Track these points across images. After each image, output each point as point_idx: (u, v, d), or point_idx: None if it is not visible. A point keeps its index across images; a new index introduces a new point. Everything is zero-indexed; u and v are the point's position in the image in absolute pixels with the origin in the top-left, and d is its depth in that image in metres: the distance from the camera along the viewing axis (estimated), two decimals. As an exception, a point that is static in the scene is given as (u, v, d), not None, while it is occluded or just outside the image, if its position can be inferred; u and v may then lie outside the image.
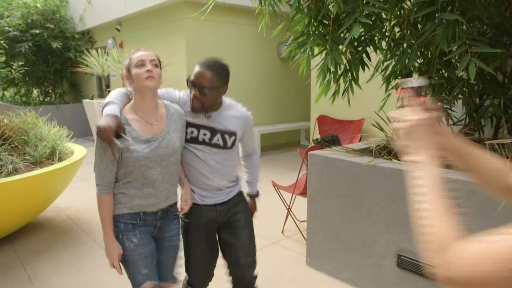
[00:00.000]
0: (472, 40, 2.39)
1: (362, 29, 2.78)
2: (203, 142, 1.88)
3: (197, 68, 1.80)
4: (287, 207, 3.67)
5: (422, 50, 2.85)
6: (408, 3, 2.87)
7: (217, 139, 1.89)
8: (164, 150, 1.72)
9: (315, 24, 2.85)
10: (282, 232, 3.80)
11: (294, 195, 3.60)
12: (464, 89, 2.62)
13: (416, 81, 0.86)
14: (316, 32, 2.83)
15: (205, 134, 1.88)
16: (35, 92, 10.70)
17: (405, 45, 2.72)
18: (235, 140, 1.94)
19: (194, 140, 1.88)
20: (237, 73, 7.35)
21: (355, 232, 2.74)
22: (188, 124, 1.88)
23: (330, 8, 2.72)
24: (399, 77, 3.03)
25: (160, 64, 1.73)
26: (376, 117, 3.77)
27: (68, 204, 4.77)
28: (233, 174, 2.03)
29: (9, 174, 3.20)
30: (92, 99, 8.14)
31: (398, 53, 2.78)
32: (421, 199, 0.74)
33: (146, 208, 1.76)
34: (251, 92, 7.77)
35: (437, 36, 2.41)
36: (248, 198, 2.19)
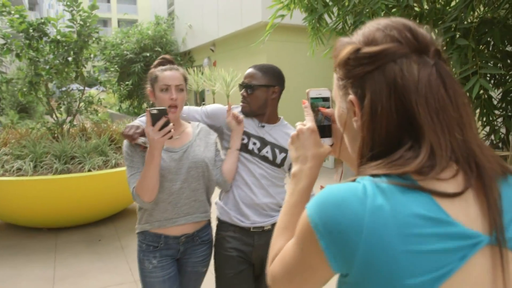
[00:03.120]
0: (486, 62, 2.65)
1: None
2: (252, 152, 1.79)
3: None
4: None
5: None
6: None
7: (267, 151, 1.79)
8: (185, 162, 1.65)
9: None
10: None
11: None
12: (482, 107, 2.85)
13: (323, 91, 0.85)
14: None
15: (254, 144, 1.80)
16: (145, 104, 12.47)
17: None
18: (286, 157, 1.81)
19: (244, 148, 1.80)
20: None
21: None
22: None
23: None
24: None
25: (186, 84, 1.70)
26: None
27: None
28: (281, 197, 1.84)
29: (112, 167, 4.21)
30: (187, 111, 9.35)
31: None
32: (282, 211, 0.79)
33: (166, 227, 1.69)
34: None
35: (452, 59, 2.72)
36: None
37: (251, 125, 1.83)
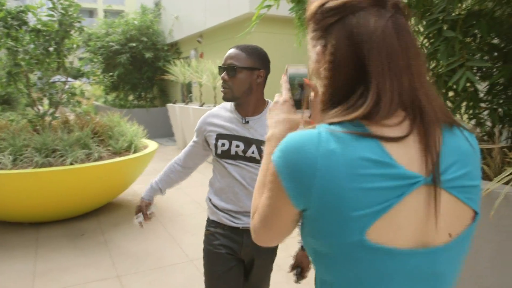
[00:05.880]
0: (472, 55, 2.64)
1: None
2: (237, 156, 1.64)
3: (229, 50, 1.63)
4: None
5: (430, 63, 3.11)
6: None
7: (252, 151, 1.62)
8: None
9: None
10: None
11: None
12: (469, 99, 2.84)
13: (301, 68, 0.88)
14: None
15: (237, 146, 1.63)
16: (131, 96, 12.29)
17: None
18: None
19: (226, 155, 1.66)
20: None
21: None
22: (219, 136, 1.67)
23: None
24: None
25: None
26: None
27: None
28: None
29: (95, 160, 4.11)
30: (174, 103, 9.24)
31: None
32: (259, 172, 0.85)
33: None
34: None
35: (439, 51, 2.70)
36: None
37: (233, 123, 1.66)
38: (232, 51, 1.60)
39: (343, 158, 0.62)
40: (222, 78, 1.59)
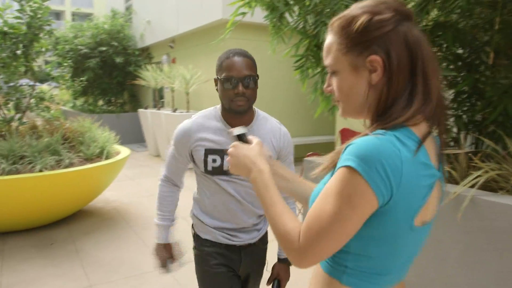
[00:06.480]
0: (439, 64, 2.76)
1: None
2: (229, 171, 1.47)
3: (234, 59, 1.46)
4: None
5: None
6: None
7: None
8: None
9: (314, 48, 3.35)
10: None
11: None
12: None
13: (238, 129, 1.07)
14: (312, 55, 3.33)
15: None
16: (101, 101, 12.02)
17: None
18: (271, 157, 1.59)
19: (218, 171, 1.53)
20: (275, 89, 7.93)
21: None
22: (208, 151, 1.53)
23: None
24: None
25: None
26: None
27: (115, 197, 5.59)
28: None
29: (66, 167, 4.00)
30: (146, 109, 9.12)
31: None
32: (265, 206, 0.87)
33: None
34: (287, 106, 8.30)
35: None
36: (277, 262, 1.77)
37: (223, 135, 1.53)
38: (243, 59, 1.47)
39: (413, 162, 0.75)
40: (240, 92, 1.44)
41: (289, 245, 0.79)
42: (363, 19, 0.79)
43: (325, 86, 0.93)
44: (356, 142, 0.74)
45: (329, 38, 0.86)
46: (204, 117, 1.59)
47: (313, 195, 0.87)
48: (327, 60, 0.88)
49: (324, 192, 0.77)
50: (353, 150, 0.73)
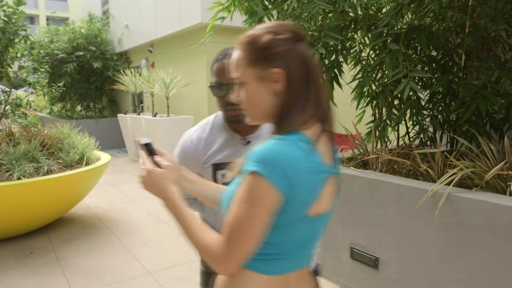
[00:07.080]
0: (414, 66, 2.84)
1: (325, 53, 3.16)
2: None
3: (224, 61, 1.36)
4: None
5: (377, 74, 3.32)
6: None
7: None
8: None
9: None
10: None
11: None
12: (412, 107, 3.06)
13: (144, 139, 1.07)
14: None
15: None
16: (79, 107, 11.81)
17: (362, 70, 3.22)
18: None
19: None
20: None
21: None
22: (216, 167, 1.41)
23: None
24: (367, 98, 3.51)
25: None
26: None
27: (96, 204, 5.51)
28: None
29: (45, 174, 3.94)
30: (125, 114, 9.02)
31: (360, 77, 3.28)
32: (182, 229, 0.94)
33: None
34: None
35: (385, 62, 2.88)
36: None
37: (233, 147, 1.40)
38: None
39: (306, 161, 0.87)
40: (232, 99, 1.25)
41: (212, 256, 0.87)
42: (266, 37, 0.91)
43: (233, 96, 1.01)
44: (258, 149, 0.85)
45: (237, 54, 0.97)
46: (211, 129, 1.47)
47: (227, 194, 0.97)
48: (235, 73, 0.97)
49: (236, 198, 0.87)
50: (255, 156, 0.84)
